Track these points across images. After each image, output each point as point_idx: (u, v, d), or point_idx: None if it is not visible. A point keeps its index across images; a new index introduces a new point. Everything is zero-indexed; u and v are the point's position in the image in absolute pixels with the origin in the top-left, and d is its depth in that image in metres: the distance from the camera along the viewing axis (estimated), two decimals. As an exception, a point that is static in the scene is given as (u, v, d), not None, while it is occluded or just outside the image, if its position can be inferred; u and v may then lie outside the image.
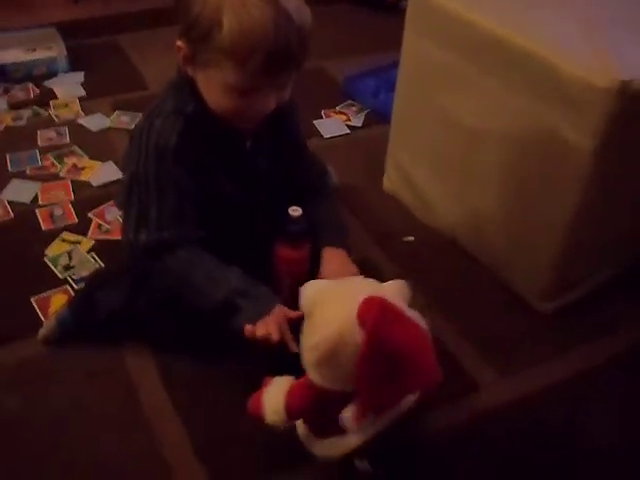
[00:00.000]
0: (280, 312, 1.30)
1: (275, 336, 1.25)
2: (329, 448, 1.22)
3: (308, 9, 1.24)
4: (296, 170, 1.54)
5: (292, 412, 1.18)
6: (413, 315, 1.08)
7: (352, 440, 1.17)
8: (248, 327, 1.27)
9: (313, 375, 1.11)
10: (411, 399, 1.16)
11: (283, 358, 1.24)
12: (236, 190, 1.42)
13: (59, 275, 1.71)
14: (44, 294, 1.65)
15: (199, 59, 1.24)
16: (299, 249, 1.41)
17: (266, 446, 1.35)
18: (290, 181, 1.52)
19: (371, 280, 1.16)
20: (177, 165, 1.31)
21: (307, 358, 1.11)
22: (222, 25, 1.15)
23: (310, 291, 1.16)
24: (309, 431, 1.24)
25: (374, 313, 1.01)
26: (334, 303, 1.10)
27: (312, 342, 1.09)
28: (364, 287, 1.13)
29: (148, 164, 1.31)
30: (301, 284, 1.43)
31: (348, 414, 1.10)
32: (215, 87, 1.26)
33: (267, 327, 1.26)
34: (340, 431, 1.16)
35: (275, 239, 1.42)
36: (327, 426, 1.19)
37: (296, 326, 1.21)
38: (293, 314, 1.28)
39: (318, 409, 1.17)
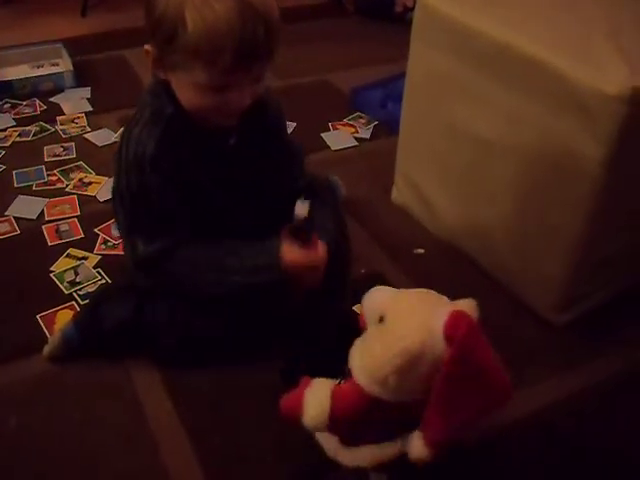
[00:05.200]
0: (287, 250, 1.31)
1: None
2: (361, 457, 1.19)
3: None
4: (286, 173, 1.49)
5: (338, 417, 1.12)
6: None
7: (388, 450, 1.15)
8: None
9: (372, 385, 1.08)
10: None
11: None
12: (221, 191, 1.38)
13: (65, 291, 1.69)
14: (50, 310, 1.63)
15: (168, 61, 1.22)
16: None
17: (277, 460, 1.33)
18: (282, 185, 1.47)
19: (440, 295, 1.14)
20: (158, 171, 1.29)
21: (378, 368, 1.06)
22: (186, 24, 1.13)
23: (377, 299, 1.14)
24: (338, 439, 1.20)
25: (463, 329, 1.00)
26: (412, 314, 1.07)
27: (390, 353, 1.04)
28: (440, 301, 1.12)
29: (130, 175, 1.30)
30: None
31: (418, 443, 1.08)
32: (187, 87, 1.24)
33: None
34: (374, 440, 1.14)
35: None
36: (362, 434, 1.16)
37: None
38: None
39: (364, 417, 1.13)
